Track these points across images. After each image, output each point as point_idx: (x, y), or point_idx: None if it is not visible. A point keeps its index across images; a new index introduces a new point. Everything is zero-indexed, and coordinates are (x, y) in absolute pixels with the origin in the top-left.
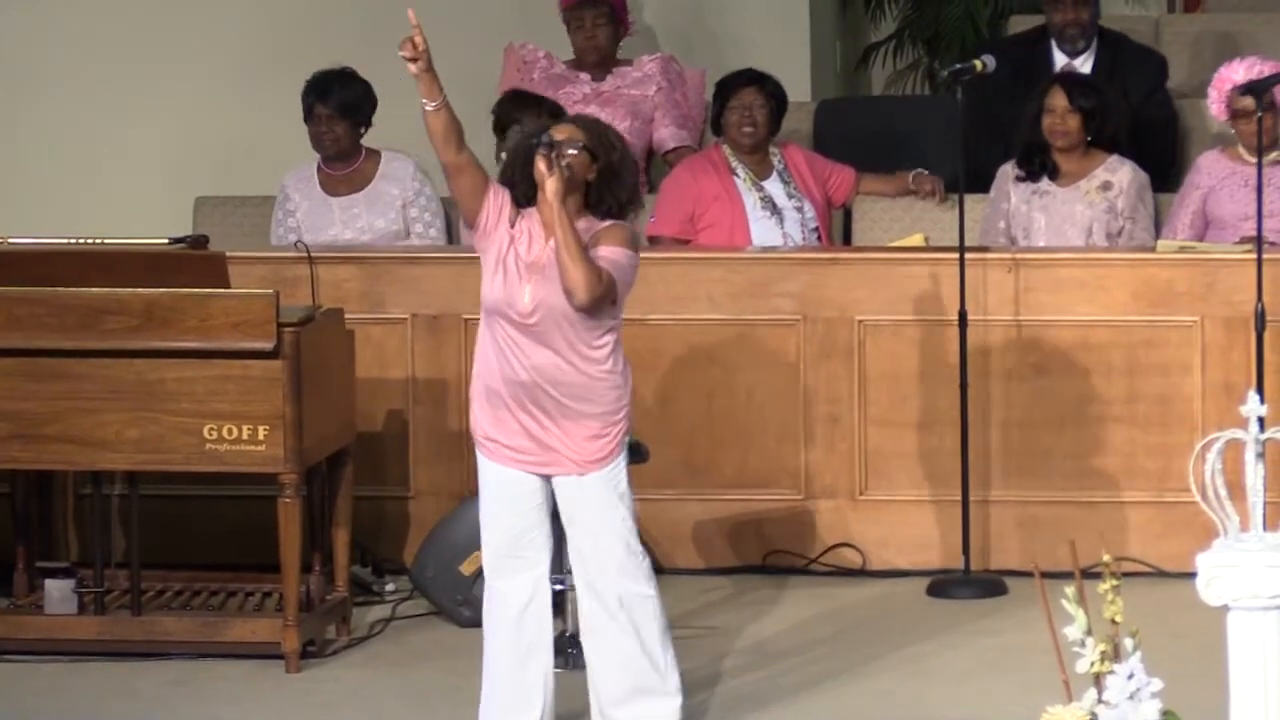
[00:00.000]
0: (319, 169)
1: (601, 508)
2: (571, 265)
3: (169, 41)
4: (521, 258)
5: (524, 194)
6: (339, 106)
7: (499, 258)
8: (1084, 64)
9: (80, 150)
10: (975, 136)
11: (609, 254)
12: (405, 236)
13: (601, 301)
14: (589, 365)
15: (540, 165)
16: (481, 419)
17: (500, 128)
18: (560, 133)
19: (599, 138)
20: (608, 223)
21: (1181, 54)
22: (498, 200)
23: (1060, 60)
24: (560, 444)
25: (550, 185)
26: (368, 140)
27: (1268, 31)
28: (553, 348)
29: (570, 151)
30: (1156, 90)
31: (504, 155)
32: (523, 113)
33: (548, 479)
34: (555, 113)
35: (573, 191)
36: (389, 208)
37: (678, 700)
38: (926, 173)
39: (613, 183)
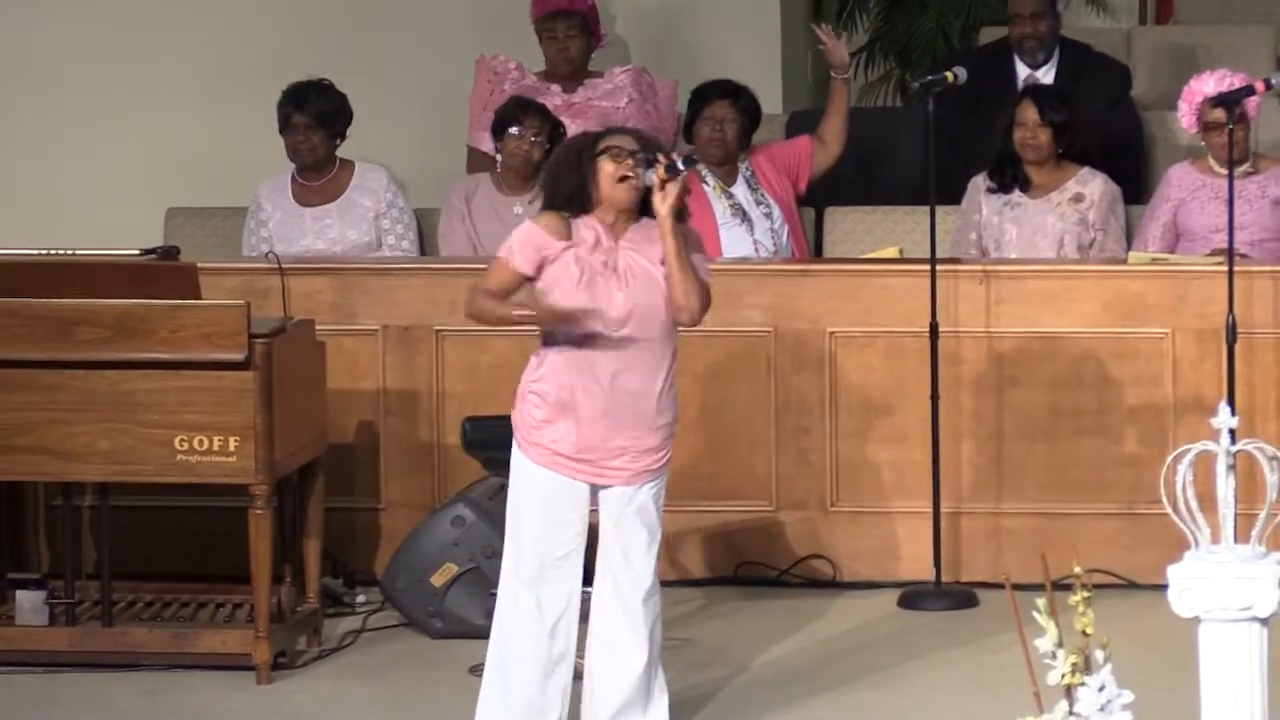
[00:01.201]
0: (293, 179)
1: (647, 519)
2: (688, 285)
3: (141, 53)
4: (597, 266)
5: (579, 203)
6: (316, 116)
7: (573, 272)
8: (1046, 75)
9: (51, 161)
10: (937, 149)
11: (701, 264)
12: (377, 248)
13: (704, 316)
14: (663, 375)
15: (655, 182)
16: (542, 426)
17: (499, 128)
18: (624, 143)
19: (657, 148)
20: (680, 227)
21: (1152, 66)
22: (529, 255)
23: (1023, 72)
24: (623, 455)
25: (669, 202)
26: (342, 153)
27: (1239, 44)
28: (635, 356)
29: (696, 160)
30: (1121, 100)
31: (552, 171)
32: (524, 115)
33: (595, 490)
34: (555, 123)
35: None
36: (361, 219)
37: (665, 711)
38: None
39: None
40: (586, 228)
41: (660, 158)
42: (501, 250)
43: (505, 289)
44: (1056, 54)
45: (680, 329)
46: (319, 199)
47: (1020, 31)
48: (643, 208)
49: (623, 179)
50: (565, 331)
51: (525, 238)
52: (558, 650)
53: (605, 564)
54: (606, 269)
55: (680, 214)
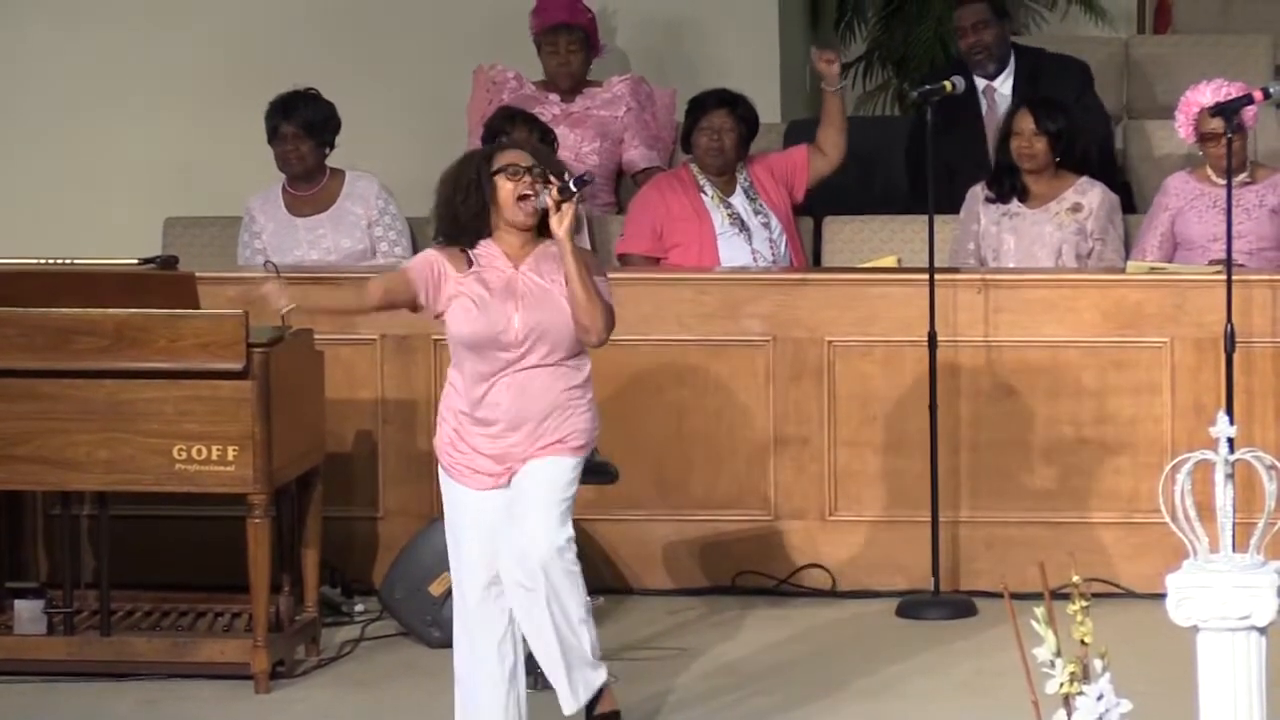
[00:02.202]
0: (284, 190)
1: (545, 477)
2: (590, 305)
3: (139, 63)
4: (494, 287)
5: (476, 230)
6: (304, 125)
7: (468, 300)
8: (1004, 83)
9: (49, 171)
10: (914, 164)
11: (603, 286)
12: (371, 256)
13: (608, 336)
14: (570, 390)
15: (549, 203)
16: (458, 444)
17: (489, 139)
18: (520, 160)
19: (550, 162)
20: (579, 250)
21: (1150, 75)
22: (426, 276)
23: (981, 83)
24: (528, 445)
25: (565, 224)
26: (339, 162)
27: (1237, 53)
28: (537, 374)
29: (586, 178)
30: (1083, 95)
31: (446, 197)
32: (514, 127)
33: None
34: (544, 131)
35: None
36: (354, 227)
37: (603, 672)
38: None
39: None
40: (486, 255)
41: (553, 179)
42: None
43: (399, 292)
44: (1012, 62)
45: (585, 342)
46: (311, 209)
47: (967, 43)
48: (541, 228)
49: (521, 198)
50: (470, 352)
51: (424, 256)
52: (508, 666)
53: (508, 541)
54: (505, 292)
55: (576, 228)
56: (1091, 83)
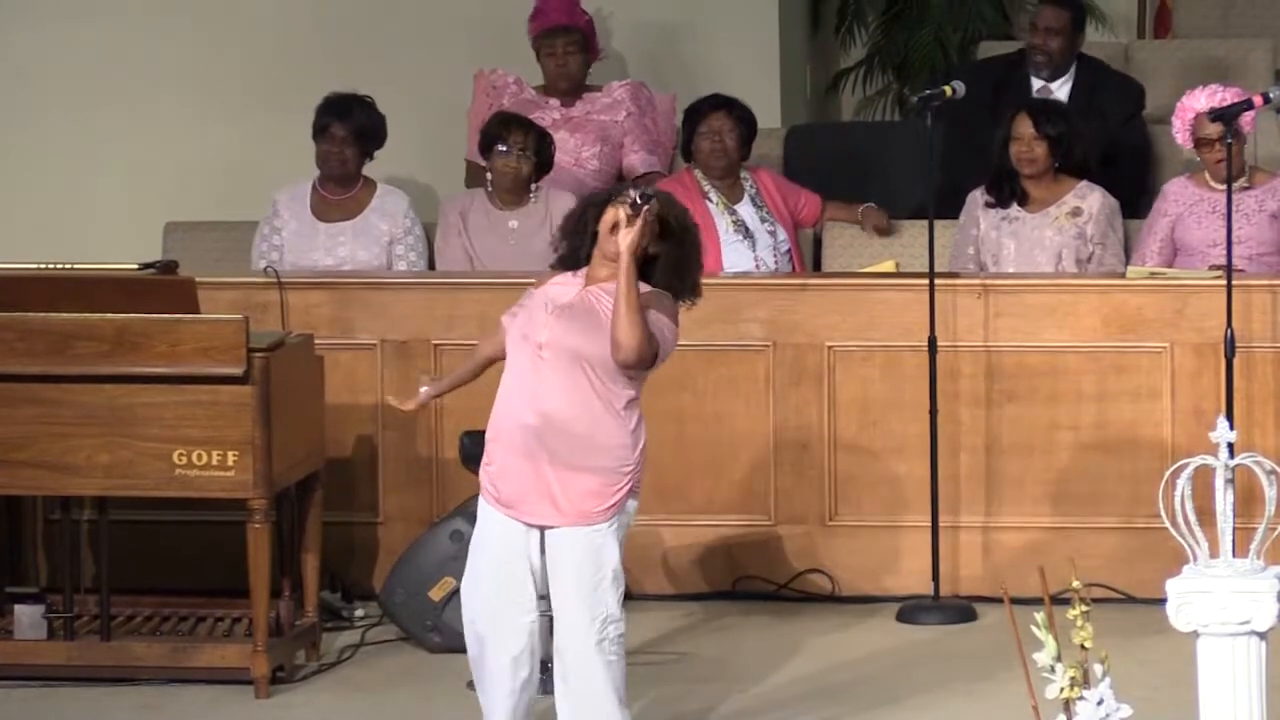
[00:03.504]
0: (314, 189)
1: (577, 562)
2: (627, 320)
3: (139, 68)
4: (553, 296)
5: (585, 253)
6: (355, 130)
7: (529, 304)
8: (1061, 88)
9: (50, 176)
10: (954, 156)
11: (659, 321)
12: (387, 269)
13: (642, 364)
14: (602, 417)
15: (620, 215)
16: (488, 465)
17: (486, 146)
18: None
19: (678, 216)
20: (655, 289)
21: (1151, 79)
22: (518, 320)
23: (1038, 84)
24: (552, 495)
25: (629, 238)
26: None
27: (1237, 57)
28: (560, 384)
29: (652, 200)
30: (1134, 117)
31: (574, 216)
32: (509, 132)
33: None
34: (540, 135)
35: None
36: (375, 241)
37: None
38: (875, 207)
39: (680, 265)
40: (571, 277)
41: (628, 193)
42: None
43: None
44: (1073, 70)
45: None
46: (338, 215)
47: (1034, 43)
48: (654, 277)
49: (614, 227)
50: (510, 359)
51: (525, 311)
52: (521, 679)
53: (556, 604)
54: (557, 302)
55: (646, 269)
56: (1143, 106)
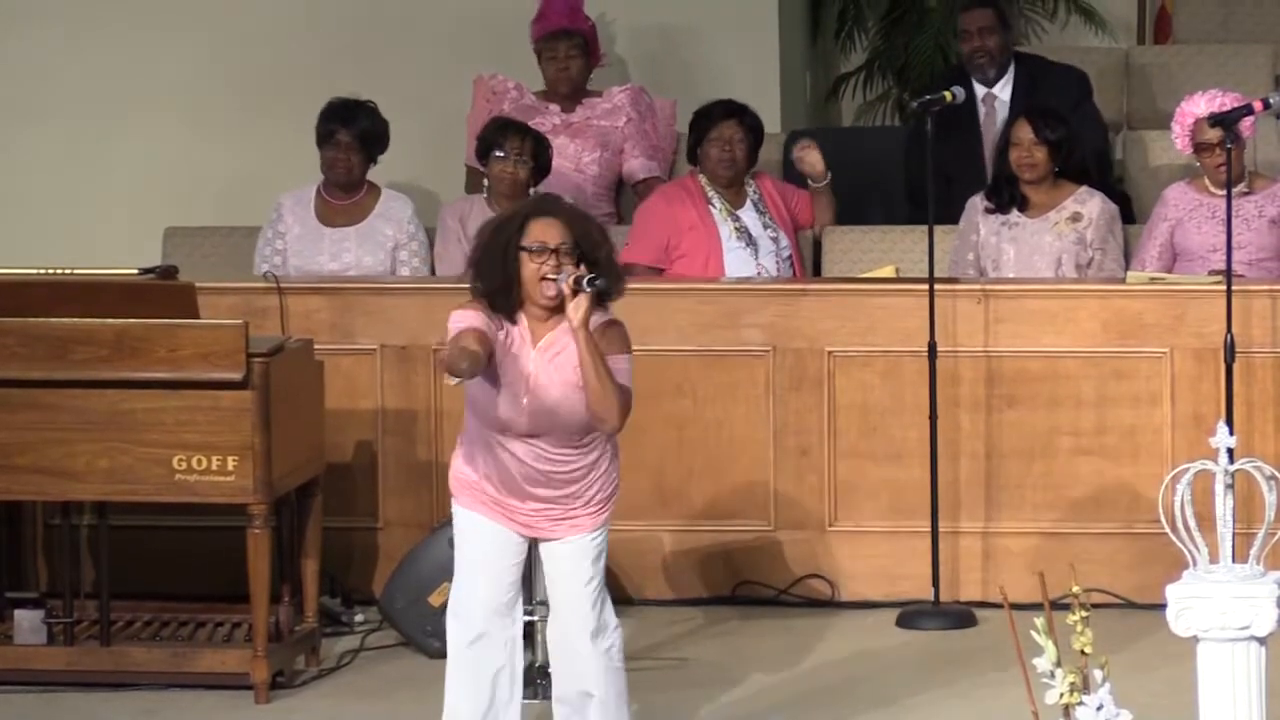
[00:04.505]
0: (318, 194)
1: (577, 566)
2: (604, 395)
3: (138, 73)
4: (511, 366)
5: (505, 302)
6: (360, 136)
7: (502, 373)
8: (1003, 90)
9: (49, 181)
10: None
11: (620, 366)
12: (390, 274)
13: (624, 420)
14: (586, 468)
15: (565, 290)
16: (474, 479)
17: (483, 152)
18: (549, 236)
19: (585, 235)
20: (606, 319)
21: (1151, 85)
22: (489, 325)
23: (980, 90)
24: (548, 513)
25: (579, 316)
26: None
27: (1237, 63)
28: (548, 443)
29: (598, 283)
30: (1081, 104)
31: (476, 261)
32: (506, 137)
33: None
34: (537, 141)
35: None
36: (379, 247)
37: None
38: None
39: (609, 270)
40: (513, 330)
41: (569, 267)
42: (453, 325)
43: (487, 343)
44: (1011, 69)
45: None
46: (342, 220)
47: (970, 47)
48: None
49: (544, 279)
50: (481, 418)
51: (475, 323)
52: (502, 697)
53: (553, 617)
54: (519, 373)
55: (603, 297)
56: (1090, 92)
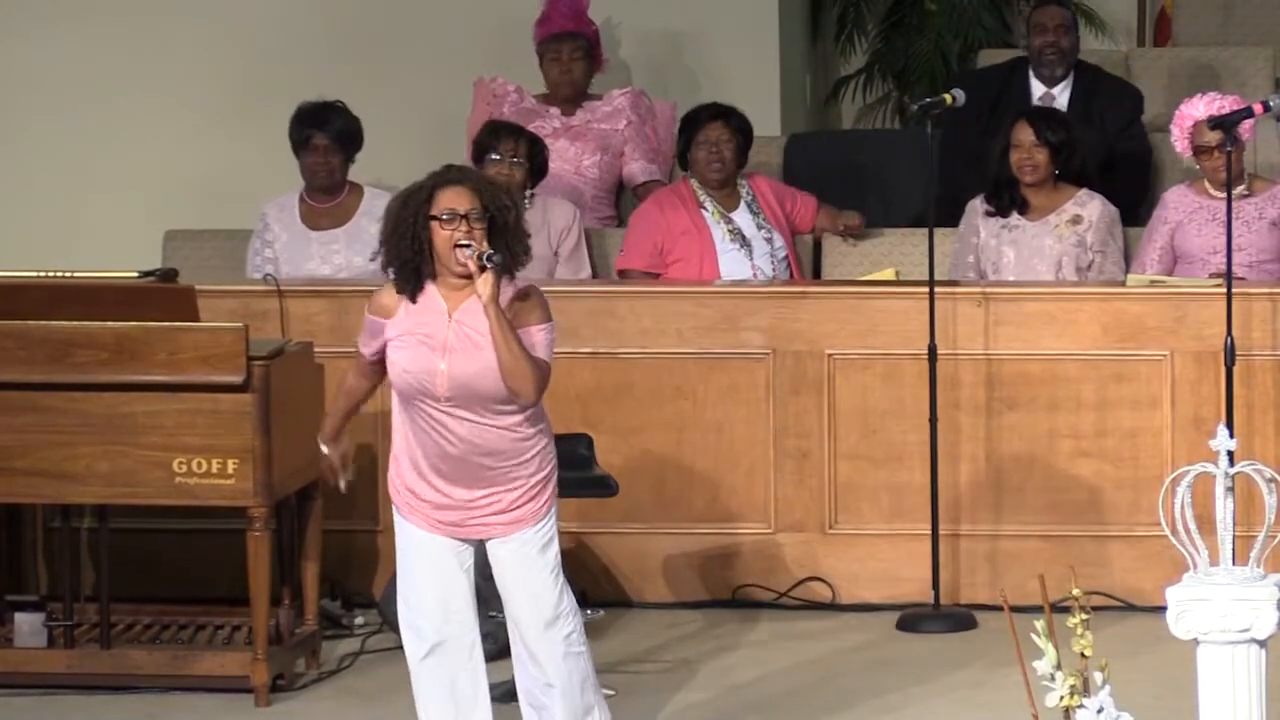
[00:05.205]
0: (301, 200)
1: (526, 564)
2: (516, 368)
3: (139, 75)
4: (427, 333)
5: (417, 271)
6: (336, 137)
7: (401, 345)
8: (1061, 94)
9: (49, 183)
10: (950, 168)
11: (538, 338)
12: (383, 273)
13: (541, 394)
14: (513, 437)
15: (471, 268)
16: (410, 485)
17: (478, 156)
18: (458, 203)
19: (493, 200)
20: (518, 289)
21: (1152, 87)
22: (371, 345)
23: (1038, 90)
24: (485, 510)
25: (487, 292)
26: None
27: (1237, 64)
28: (473, 424)
29: (495, 259)
30: (1132, 124)
31: (388, 235)
32: (499, 140)
33: (475, 544)
34: (532, 142)
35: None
36: (368, 246)
37: None
38: (858, 215)
39: (507, 240)
40: (426, 295)
41: (475, 243)
42: (360, 341)
43: (363, 371)
44: (1071, 75)
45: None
46: (328, 222)
47: (1043, 42)
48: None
49: (458, 245)
50: (404, 398)
51: (365, 329)
52: (464, 703)
53: (509, 617)
54: (436, 340)
55: (507, 270)
56: (1142, 111)
